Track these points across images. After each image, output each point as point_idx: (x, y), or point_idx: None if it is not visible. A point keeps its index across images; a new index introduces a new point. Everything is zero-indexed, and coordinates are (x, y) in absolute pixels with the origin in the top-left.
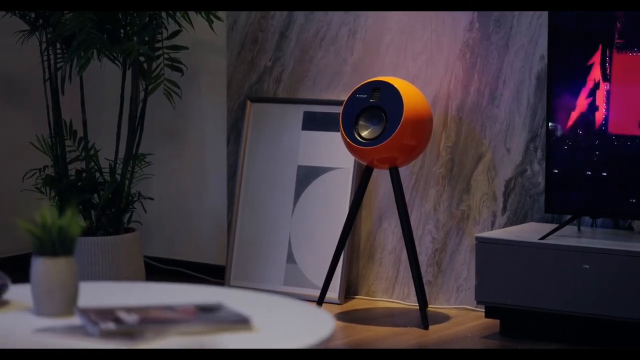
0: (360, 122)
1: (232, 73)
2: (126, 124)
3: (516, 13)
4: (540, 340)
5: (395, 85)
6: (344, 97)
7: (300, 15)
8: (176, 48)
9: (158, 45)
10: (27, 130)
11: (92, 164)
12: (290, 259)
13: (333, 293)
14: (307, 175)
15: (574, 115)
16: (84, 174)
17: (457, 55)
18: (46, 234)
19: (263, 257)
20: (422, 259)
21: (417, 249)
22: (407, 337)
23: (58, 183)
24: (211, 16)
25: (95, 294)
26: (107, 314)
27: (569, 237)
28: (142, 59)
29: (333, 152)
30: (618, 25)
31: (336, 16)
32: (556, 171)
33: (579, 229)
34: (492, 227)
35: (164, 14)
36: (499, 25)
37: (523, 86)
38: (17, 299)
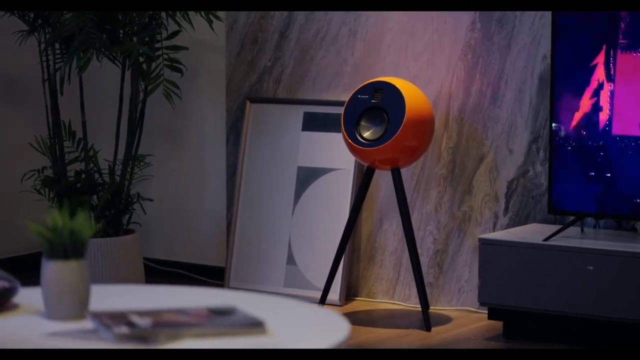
0: (362, 123)
1: (231, 73)
2: (125, 125)
3: (518, 13)
4: (543, 342)
5: (397, 86)
6: (345, 98)
7: (300, 15)
8: (176, 48)
9: (157, 45)
10: (26, 130)
11: (92, 165)
12: (291, 260)
13: (333, 295)
14: (307, 176)
15: (578, 116)
16: (83, 175)
17: (459, 56)
18: (57, 236)
19: (263, 258)
20: (424, 260)
21: (418, 250)
22: (410, 339)
23: (57, 184)
24: (211, 16)
25: (101, 296)
26: (120, 317)
27: (572, 238)
28: (141, 59)
29: (333, 153)
30: (622, 25)
31: (336, 16)
32: (559, 172)
33: (582, 230)
34: (494, 228)
35: (163, 14)
36: (501, 25)
37: (525, 86)
38: (25, 302)
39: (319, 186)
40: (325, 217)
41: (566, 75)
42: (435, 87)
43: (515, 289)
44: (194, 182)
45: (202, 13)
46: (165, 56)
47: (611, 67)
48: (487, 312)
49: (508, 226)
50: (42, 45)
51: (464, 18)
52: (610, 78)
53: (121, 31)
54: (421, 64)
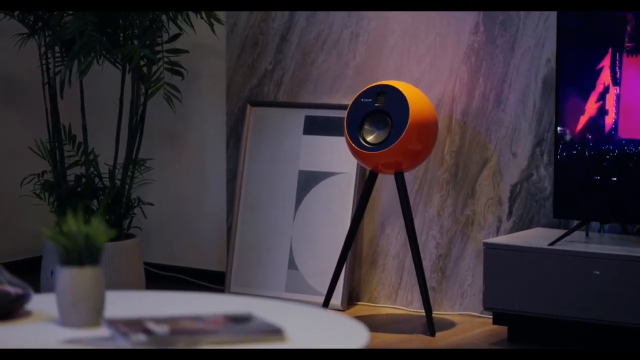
0: (366, 127)
1: (231, 76)
2: (125, 129)
3: (522, 16)
4: (549, 347)
5: (401, 89)
6: (346, 101)
7: (301, 18)
8: (177, 52)
9: (158, 48)
10: (26, 134)
11: (92, 169)
12: (292, 265)
13: (335, 299)
14: (308, 180)
15: (583, 120)
16: (83, 180)
17: (462, 59)
18: (72, 242)
19: (264, 263)
20: (426, 264)
21: (421, 254)
22: (415, 344)
23: (57, 189)
24: (212, 19)
25: (108, 303)
26: (136, 325)
27: (577, 242)
28: (141, 62)
29: (335, 156)
30: (628, 28)
31: (338, 19)
32: (565, 176)
33: (587, 234)
34: (498, 232)
35: (164, 17)
36: (505, 28)
37: (529, 90)
38: (38, 308)
39: (321, 190)
40: (326, 221)
41: (571, 78)
42: (438, 91)
43: (520, 294)
44: (194, 186)
45: (204, 15)
46: (165, 59)
47: (617, 70)
48: (490, 316)
49: (511, 230)
50: (42, 49)
51: (467, 21)
52: (616, 81)
53: (121, 34)
54: (424, 67)
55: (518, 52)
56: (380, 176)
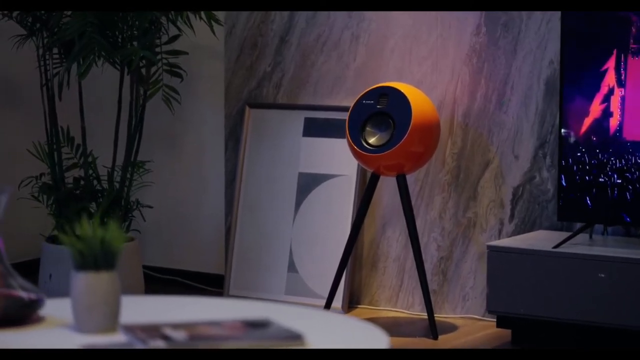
0: (367, 129)
1: (230, 78)
2: (124, 131)
3: (524, 17)
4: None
5: (403, 91)
6: (347, 103)
7: (301, 20)
8: (176, 53)
9: (157, 50)
10: (24, 136)
11: (91, 171)
12: (292, 267)
13: (336, 302)
14: (308, 183)
15: (587, 122)
16: (82, 182)
17: (464, 60)
18: (88, 247)
19: (263, 266)
20: (427, 267)
21: (422, 257)
22: (418, 348)
23: (55, 191)
24: (211, 20)
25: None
26: (153, 330)
27: (581, 245)
28: (140, 64)
29: (335, 159)
30: (633, 30)
31: (338, 20)
32: (569, 178)
33: (590, 237)
34: (500, 235)
35: (163, 18)
36: (507, 30)
37: (531, 92)
38: (51, 314)
39: (321, 192)
40: (327, 224)
41: (575, 79)
42: (439, 92)
43: (524, 297)
44: (193, 188)
45: (204, 16)
46: (164, 61)
47: (622, 72)
48: (492, 319)
49: (514, 233)
50: (40, 50)
51: (468, 22)
52: (621, 83)
53: (119, 36)
54: (425, 69)
55: (520, 53)
56: (381, 178)
